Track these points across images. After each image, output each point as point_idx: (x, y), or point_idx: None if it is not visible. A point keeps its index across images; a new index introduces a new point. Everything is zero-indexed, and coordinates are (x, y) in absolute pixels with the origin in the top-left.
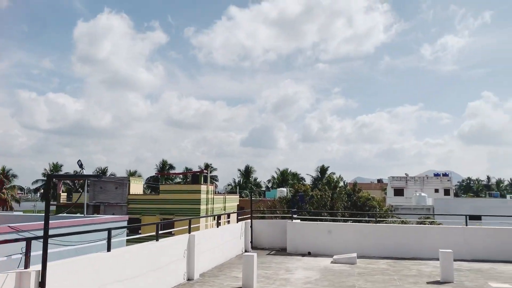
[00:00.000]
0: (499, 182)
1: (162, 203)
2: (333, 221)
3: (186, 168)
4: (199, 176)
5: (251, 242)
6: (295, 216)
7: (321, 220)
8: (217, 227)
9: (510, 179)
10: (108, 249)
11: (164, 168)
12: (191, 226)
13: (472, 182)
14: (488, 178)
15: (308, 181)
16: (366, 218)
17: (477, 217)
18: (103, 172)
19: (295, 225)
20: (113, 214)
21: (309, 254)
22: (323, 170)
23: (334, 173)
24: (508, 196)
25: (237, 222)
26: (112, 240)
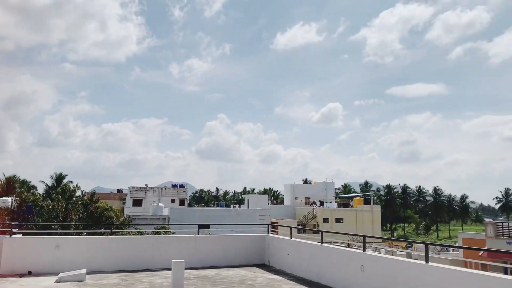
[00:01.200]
0: (225, 193)
1: None
2: (65, 235)
3: None
4: None
5: None
6: (16, 230)
7: (50, 234)
8: None
9: (234, 191)
10: None
11: None
12: None
13: (204, 193)
14: (217, 189)
15: (41, 190)
16: (102, 230)
17: (207, 226)
18: None
19: (14, 241)
20: None
21: (29, 273)
22: (59, 178)
23: (71, 182)
24: (231, 205)
25: None
26: None
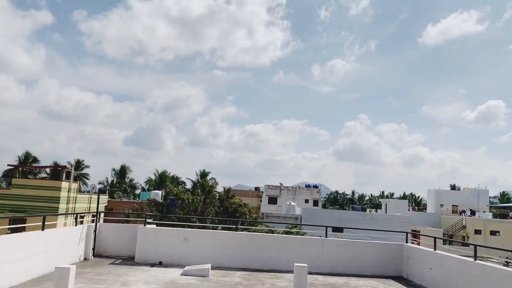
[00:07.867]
0: (361, 196)
1: (13, 199)
2: (202, 227)
3: (55, 163)
4: (60, 172)
5: (94, 249)
6: (150, 220)
7: (184, 226)
8: (42, 230)
9: (371, 194)
10: None
11: (27, 161)
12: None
13: (339, 195)
14: (353, 192)
15: (189, 185)
16: (238, 226)
17: (340, 229)
18: None
19: (147, 231)
20: None
21: (160, 264)
22: (203, 174)
23: (214, 178)
24: (367, 210)
25: (82, 224)
26: None
